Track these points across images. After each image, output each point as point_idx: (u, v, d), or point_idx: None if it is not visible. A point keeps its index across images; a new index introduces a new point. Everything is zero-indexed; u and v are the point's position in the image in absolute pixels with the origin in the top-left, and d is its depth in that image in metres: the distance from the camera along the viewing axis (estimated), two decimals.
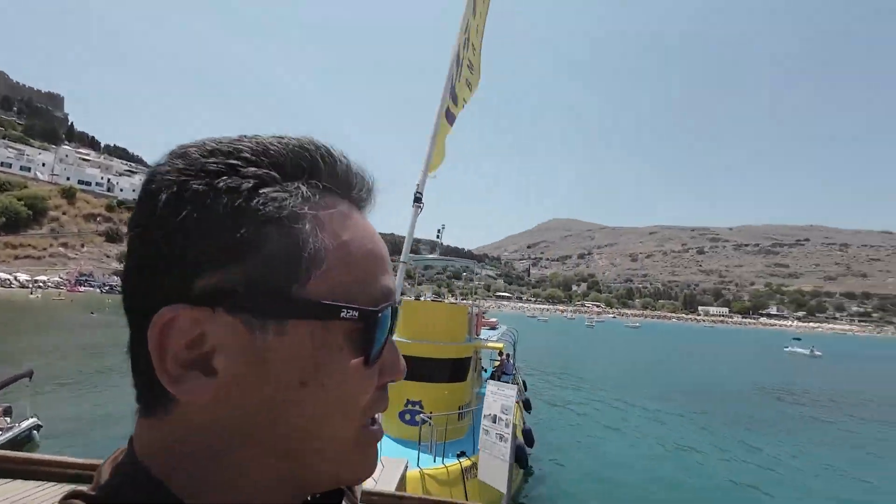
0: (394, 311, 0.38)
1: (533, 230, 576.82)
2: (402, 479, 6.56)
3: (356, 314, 0.34)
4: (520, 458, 8.94)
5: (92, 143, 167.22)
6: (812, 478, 11.37)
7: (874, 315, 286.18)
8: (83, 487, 0.31)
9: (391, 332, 0.38)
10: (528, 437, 10.72)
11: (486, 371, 14.24)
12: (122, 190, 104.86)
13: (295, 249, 0.32)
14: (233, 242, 0.30)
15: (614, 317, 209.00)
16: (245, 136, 0.35)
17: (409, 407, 8.42)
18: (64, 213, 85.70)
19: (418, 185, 2.62)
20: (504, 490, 6.25)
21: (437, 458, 7.30)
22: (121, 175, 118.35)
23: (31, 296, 53.36)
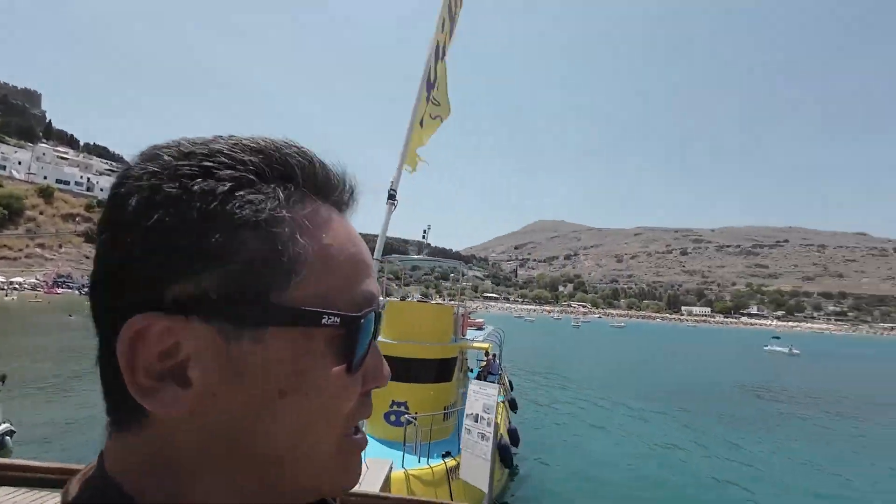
0: (377, 317, 0.37)
1: (520, 231, 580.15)
2: (387, 481, 6.54)
3: (338, 320, 0.32)
4: (505, 457, 8.98)
5: (71, 142, 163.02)
6: (789, 473, 11.65)
7: (850, 314, 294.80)
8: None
9: (374, 337, 0.37)
10: (514, 436, 10.76)
11: (472, 371, 14.28)
12: (102, 189, 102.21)
13: (273, 254, 0.31)
14: (208, 247, 0.29)
15: (600, 317, 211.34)
16: (220, 137, 0.34)
17: (395, 408, 8.40)
18: (41, 213, 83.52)
19: (392, 182, 2.61)
20: (485, 489, 6.27)
21: (422, 458, 7.29)
22: (101, 174, 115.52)
23: (7, 298, 51.95)
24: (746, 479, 10.83)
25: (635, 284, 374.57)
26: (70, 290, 67.80)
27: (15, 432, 9.32)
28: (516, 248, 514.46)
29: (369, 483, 6.06)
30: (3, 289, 58.11)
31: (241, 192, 0.31)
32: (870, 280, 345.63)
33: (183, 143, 0.33)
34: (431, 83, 2.29)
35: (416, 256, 11.89)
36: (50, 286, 66.97)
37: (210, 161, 0.31)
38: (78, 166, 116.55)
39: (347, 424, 0.36)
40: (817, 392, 26.01)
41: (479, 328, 17.98)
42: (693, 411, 18.28)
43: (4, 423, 9.18)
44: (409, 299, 12.93)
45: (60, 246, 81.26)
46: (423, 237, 11.42)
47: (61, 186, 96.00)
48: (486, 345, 11.55)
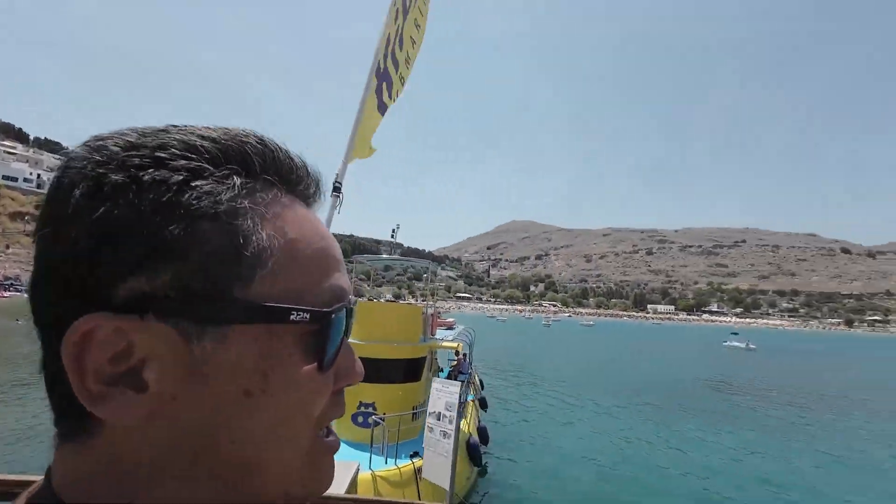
0: (348, 312, 0.35)
1: (492, 232, 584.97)
2: (353, 483, 6.44)
3: (307, 316, 0.31)
4: (474, 455, 9.03)
5: (19, 136, 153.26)
6: (744, 462, 12.20)
7: (801, 310, 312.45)
8: None
9: (346, 334, 0.35)
10: (483, 434, 10.84)
11: (442, 371, 14.29)
12: None
13: (234, 247, 0.29)
14: (161, 241, 0.27)
15: (570, 316, 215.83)
16: (173, 126, 0.31)
17: (363, 409, 8.31)
18: None
19: (337, 174, 2.54)
20: (447, 487, 6.27)
21: (389, 459, 7.24)
22: (53, 171, 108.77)
23: None
24: (706, 470, 11.27)
25: (604, 284, 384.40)
26: (18, 294, 63.91)
27: None
28: (489, 248, 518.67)
29: (334, 486, 5.95)
30: None
31: (198, 183, 0.28)
32: (819, 278, 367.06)
33: (130, 133, 0.30)
34: (383, 72, 2.26)
35: (384, 256, 11.80)
36: None
37: (162, 152, 0.28)
38: (27, 162, 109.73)
39: (319, 425, 0.34)
40: (772, 385, 27.35)
41: (450, 328, 18.00)
42: (657, 406, 18.88)
43: None
44: (381, 300, 12.83)
45: (8, 246, 76.43)
46: (392, 236, 11.35)
47: (9, 183, 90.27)
48: (454, 344, 11.58)
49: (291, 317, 0.30)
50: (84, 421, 0.27)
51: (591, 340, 63.30)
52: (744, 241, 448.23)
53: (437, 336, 12.45)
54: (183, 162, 0.28)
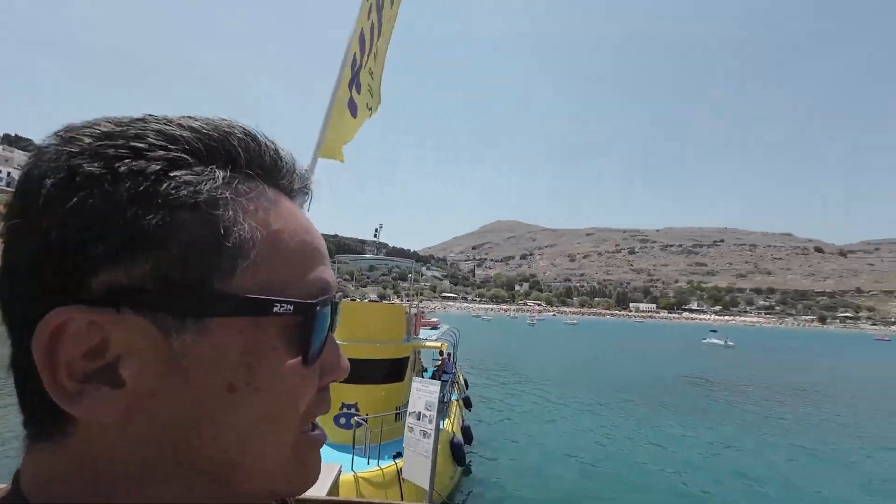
0: (333, 307, 0.34)
1: (478, 231, 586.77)
2: (335, 485, 6.39)
3: (291, 308, 0.30)
4: (457, 455, 9.05)
5: None
6: (721, 457, 12.48)
7: (777, 308, 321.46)
8: None
9: (332, 329, 0.34)
10: (467, 433, 10.88)
11: (426, 371, 14.28)
12: None
13: (215, 238, 0.27)
14: (138, 232, 0.25)
15: (554, 315, 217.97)
16: (151, 116, 0.30)
17: (345, 410, 8.25)
18: None
19: (306, 170, 2.51)
20: (427, 487, 6.26)
21: (372, 460, 7.20)
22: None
23: None
24: (685, 465, 11.50)
25: (587, 283, 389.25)
26: None
27: None
28: (474, 248, 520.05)
29: (316, 488, 5.88)
30: None
31: (177, 173, 0.27)
32: (794, 276, 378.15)
33: (105, 123, 0.28)
34: (356, 71, 2.23)
35: (367, 256, 11.75)
36: None
37: (139, 141, 0.27)
38: None
39: (304, 421, 0.33)
40: (748, 381, 28.05)
41: (434, 327, 18.03)
42: (639, 403, 19.17)
43: None
44: (366, 300, 12.76)
45: None
46: (375, 236, 11.31)
47: None
48: (437, 344, 11.58)
49: (275, 309, 0.29)
50: (57, 419, 0.26)
51: (575, 339, 63.98)
52: (722, 241, 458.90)
53: (420, 336, 12.44)
54: (161, 152, 0.27)
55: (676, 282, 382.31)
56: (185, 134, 0.29)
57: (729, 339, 63.62)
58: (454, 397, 12.25)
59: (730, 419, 17.11)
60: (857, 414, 19.30)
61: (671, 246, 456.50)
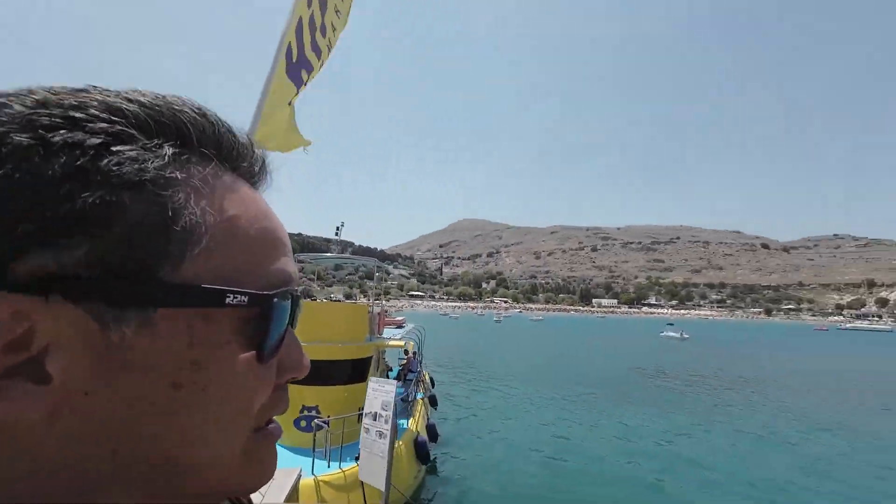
0: (295, 300, 0.32)
1: (445, 230, 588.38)
2: (294, 489, 6.26)
3: (245, 299, 0.27)
4: (421, 453, 9.05)
5: None
6: (673, 443, 13.10)
7: (728, 301, 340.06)
8: None
9: (292, 323, 0.32)
10: (432, 432, 10.90)
11: (392, 370, 14.21)
12: None
13: (162, 222, 0.25)
14: (72, 211, 0.22)
15: (520, 311, 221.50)
16: (94, 86, 0.27)
17: (305, 413, 8.08)
18: None
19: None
20: (383, 488, 6.23)
21: (333, 462, 7.10)
22: None
23: None
24: (641, 455, 11.98)
25: (552, 280, 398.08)
26: None
27: None
28: (441, 246, 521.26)
29: (274, 494, 5.77)
30: None
31: (120, 148, 0.24)
32: (743, 272, 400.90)
33: (40, 90, 0.25)
34: (295, 62, 2.17)
35: (329, 255, 11.54)
36: None
37: (78, 112, 0.24)
38: None
39: (259, 420, 0.31)
40: (701, 372, 29.52)
41: (400, 326, 17.92)
42: (600, 396, 19.80)
43: None
44: (332, 298, 12.53)
45: None
46: (337, 234, 11.13)
47: None
48: (401, 342, 11.54)
49: (227, 300, 0.26)
50: None
51: (541, 335, 65.29)
52: (678, 238, 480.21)
53: (385, 335, 12.35)
54: (103, 125, 0.24)
55: (636, 278, 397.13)
56: (132, 107, 0.26)
57: (685, 332, 67.05)
58: (420, 396, 12.24)
59: (682, 408, 17.97)
60: (797, 399, 20.70)
61: (631, 243, 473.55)
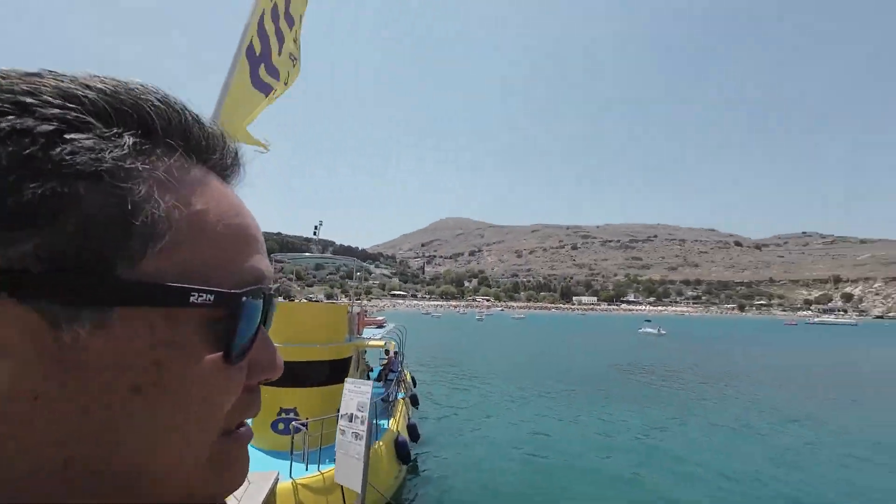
0: (267, 299, 0.30)
1: (427, 229, 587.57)
2: (272, 493, 6.15)
3: (212, 298, 0.25)
4: (402, 453, 9.01)
5: None
6: (650, 437, 13.39)
7: (703, 298, 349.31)
8: None
9: (265, 323, 0.31)
10: (413, 431, 10.87)
11: (373, 371, 14.10)
12: None
13: (121, 215, 0.23)
14: (20, 204, 0.21)
15: (502, 310, 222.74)
16: (48, 70, 0.25)
17: (283, 415, 7.94)
18: None
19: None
20: (359, 490, 6.17)
21: (311, 465, 6.99)
22: None
23: None
24: (618, 450, 12.20)
25: (533, 278, 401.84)
26: None
27: None
28: (423, 245, 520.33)
29: (251, 497, 5.65)
30: None
31: (74, 136, 0.23)
32: (717, 269, 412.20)
33: None
34: (257, 55, 2.12)
35: (308, 255, 11.37)
36: None
37: (29, 97, 0.23)
38: None
39: (229, 424, 0.29)
40: (677, 367, 30.25)
41: (380, 326, 17.81)
42: (580, 392, 20.08)
43: None
44: (313, 298, 12.34)
45: None
46: (315, 233, 10.95)
47: None
48: (381, 342, 11.45)
49: (192, 299, 0.25)
50: None
51: (522, 333, 65.82)
52: (655, 237, 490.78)
53: (365, 335, 12.24)
54: (56, 111, 0.23)
55: (615, 275, 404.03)
56: (89, 94, 0.24)
57: (662, 328, 68.64)
58: (400, 396, 12.18)
59: (659, 403, 18.36)
60: (769, 393, 21.38)
61: (610, 241, 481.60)
